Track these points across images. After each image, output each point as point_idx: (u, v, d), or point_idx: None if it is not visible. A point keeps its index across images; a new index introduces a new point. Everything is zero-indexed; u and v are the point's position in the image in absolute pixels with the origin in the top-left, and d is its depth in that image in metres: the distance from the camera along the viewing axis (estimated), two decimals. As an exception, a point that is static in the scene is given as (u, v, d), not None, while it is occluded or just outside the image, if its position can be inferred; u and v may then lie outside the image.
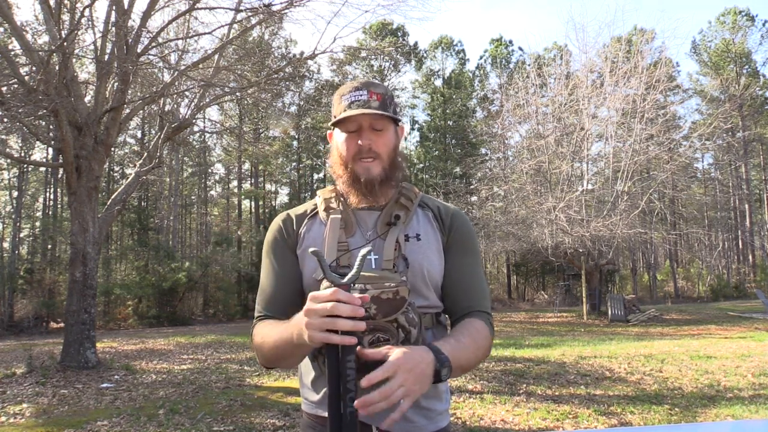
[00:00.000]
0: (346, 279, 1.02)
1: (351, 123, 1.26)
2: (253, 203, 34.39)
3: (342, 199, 1.32)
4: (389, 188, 1.31)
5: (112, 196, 9.36)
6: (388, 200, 1.32)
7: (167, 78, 10.57)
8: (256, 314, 1.31)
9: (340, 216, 1.27)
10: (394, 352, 1.01)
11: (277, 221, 1.36)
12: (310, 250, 1.05)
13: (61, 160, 8.46)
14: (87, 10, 8.04)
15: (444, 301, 1.31)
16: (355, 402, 0.96)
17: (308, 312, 0.98)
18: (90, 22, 8.67)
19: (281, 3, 8.80)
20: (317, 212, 1.33)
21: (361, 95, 1.25)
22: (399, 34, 33.94)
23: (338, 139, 1.30)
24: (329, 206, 1.31)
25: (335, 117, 1.28)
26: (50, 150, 24.35)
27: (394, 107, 1.31)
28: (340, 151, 1.29)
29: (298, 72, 11.94)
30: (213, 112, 26.00)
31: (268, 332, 1.19)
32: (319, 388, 1.25)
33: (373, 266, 1.22)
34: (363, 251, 1.06)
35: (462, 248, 1.32)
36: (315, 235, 1.29)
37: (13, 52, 7.99)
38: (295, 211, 1.37)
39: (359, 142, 1.25)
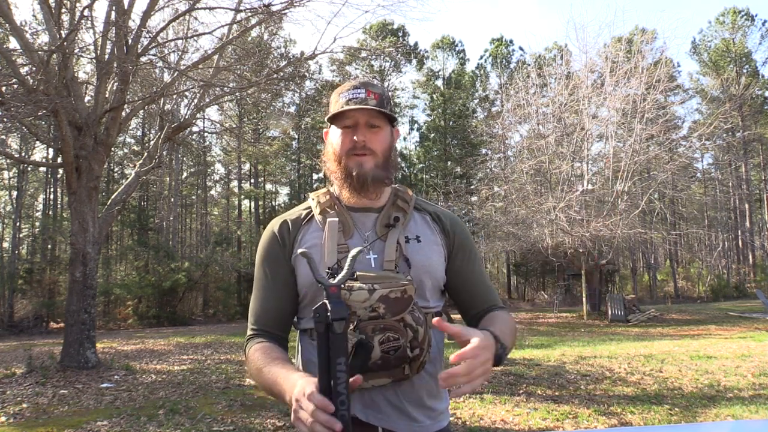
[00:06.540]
0: (336, 280, 1.03)
1: (347, 119, 1.27)
2: (253, 203, 34.40)
3: (337, 200, 1.31)
4: (382, 186, 1.30)
5: (112, 196, 9.35)
6: (381, 199, 1.32)
7: (167, 78, 10.56)
8: (249, 329, 1.30)
9: (337, 219, 1.26)
10: (476, 332, 1.03)
11: (272, 228, 1.33)
12: (299, 251, 1.06)
13: (61, 160, 8.45)
14: (87, 10, 8.03)
15: (459, 302, 1.37)
16: (440, 375, 0.97)
17: (295, 410, 0.99)
18: (90, 22, 8.66)
19: (281, 3, 8.79)
20: (312, 216, 1.32)
21: (358, 93, 1.26)
22: (399, 34, 33.95)
23: (333, 135, 1.31)
24: (325, 209, 1.30)
25: (331, 113, 1.29)
26: (50, 150, 24.35)
27: (391, 108, 1.32)
28: (335, 146, 1.29)
29: (298, 72, 11.92)
30: (213, 112, 26.02)
31: (262, 366, 1.18)
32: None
33: (372, 266, 1.23)
34: (353, 252, 1.07)
35: (468, 253, 1.37)
36: (312, 238, 1.28)
37: (13, 52, 7.97)
38: (290, 216, 1.34)
39: (354, 137, 1.26)
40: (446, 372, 0.97)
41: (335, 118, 1.28)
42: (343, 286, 1.05)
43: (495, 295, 1.38)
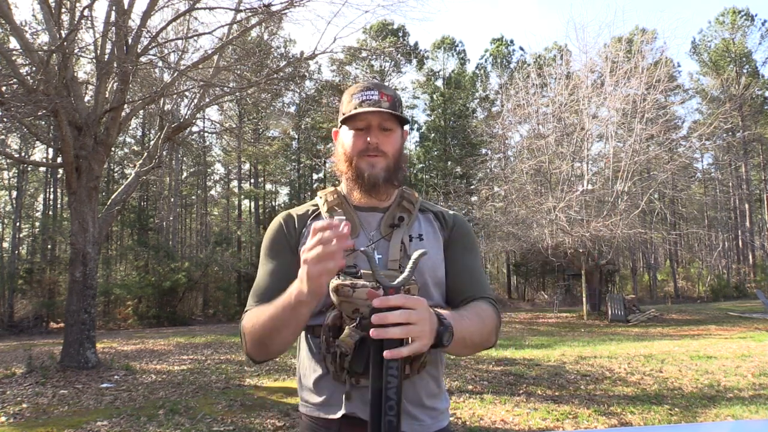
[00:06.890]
0: (396, 282, 1.00)
1: (360, 121, 1.27)
2: (253, 203, 34.40)
3: (344, 199, 1.33)
4: (391, 188, 1.32)
5: (112, 196, 9.35)
6: (389, 201, 1.34)
7: (167, 78, 10.56)
8: (247, 308, 1.29)
9: (344, 217, 1.27)
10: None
11: (278, 219, 1.35)
12: (361, 249, 1.04)
13: (61, 160, 8.45)
14: (87, 10, 8.03)
15: (447, 294, 1.32)
16: (373, 316, 0.93)
17: (304, 260, 0.97)
18: (90, 22, 8.66)
19: (281, 3, 8.79)
20: (319, 213, 1.33)
21: (372, 95, 1.26)
22: (399, 34, 33.96)
23: (345, 136, 1.31)
24: (332, 207, 1.31)
25: (344, 114, 1.29)
26: (50, 150, 24.36)
27: (402, 110, 1.33)
28: (346, 147, 1.30)
29: (298, 72, 11.92)
30: (213, 112, 26.02)
31: (261, 311, 1.17)
32: (322, 390, 1.24)
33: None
34: (416, 254, 1.05)
35: (462, 245, 1.35)
36: None
37: (13, 52, 7.96)
38: (296, 211, 1.36)
39: (368, 139, 1.26)
40: (378, 315, 0.93)
41: (348, 120, 1.28)
42: (403, 288, 1.02)
43: (485, 288, 1.32)
